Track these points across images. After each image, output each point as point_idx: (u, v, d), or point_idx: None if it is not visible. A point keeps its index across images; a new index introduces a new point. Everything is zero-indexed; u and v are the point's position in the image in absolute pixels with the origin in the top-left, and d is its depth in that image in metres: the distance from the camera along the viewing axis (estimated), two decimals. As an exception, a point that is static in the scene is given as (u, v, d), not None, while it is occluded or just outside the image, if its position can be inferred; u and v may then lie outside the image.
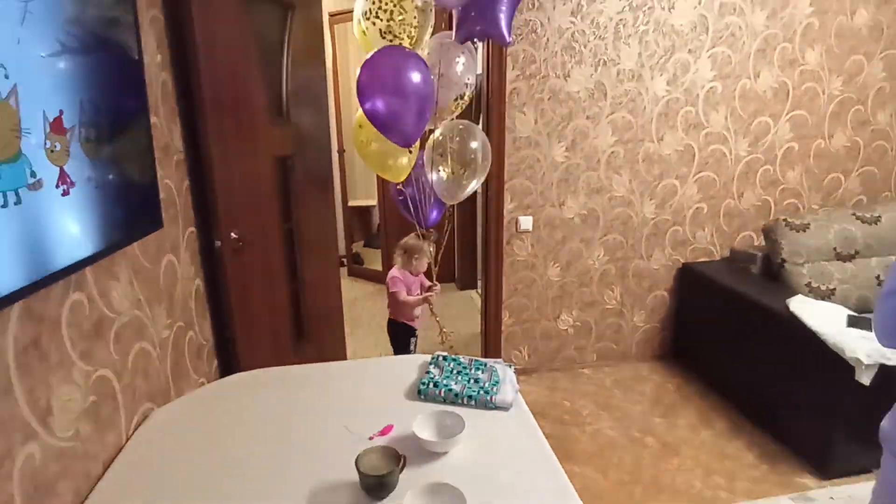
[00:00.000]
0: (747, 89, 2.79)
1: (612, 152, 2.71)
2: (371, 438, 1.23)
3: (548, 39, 2.51)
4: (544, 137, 2.63)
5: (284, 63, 2.08)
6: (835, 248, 2.58)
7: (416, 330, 2.62)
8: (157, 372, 1.42)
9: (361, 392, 1.44)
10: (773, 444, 2.34)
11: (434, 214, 2.25)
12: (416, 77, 1.62)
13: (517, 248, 2.76)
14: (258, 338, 2.02)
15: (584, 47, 2.56)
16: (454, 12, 1.83)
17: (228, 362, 1.92)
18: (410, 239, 2.43)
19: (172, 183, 1.60)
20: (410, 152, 1.93)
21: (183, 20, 1.60)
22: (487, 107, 2.61)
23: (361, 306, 4.04)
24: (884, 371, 1.98)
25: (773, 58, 2.76)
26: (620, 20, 2.56)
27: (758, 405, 2.49)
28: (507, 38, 1.71)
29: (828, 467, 2.13)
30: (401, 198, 2.17)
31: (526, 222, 2.71)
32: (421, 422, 1.21)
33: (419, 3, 1.72)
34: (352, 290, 4.38)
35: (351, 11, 4.02)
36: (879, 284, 2.55)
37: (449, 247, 4.28)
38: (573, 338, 2.96)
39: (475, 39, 1.81)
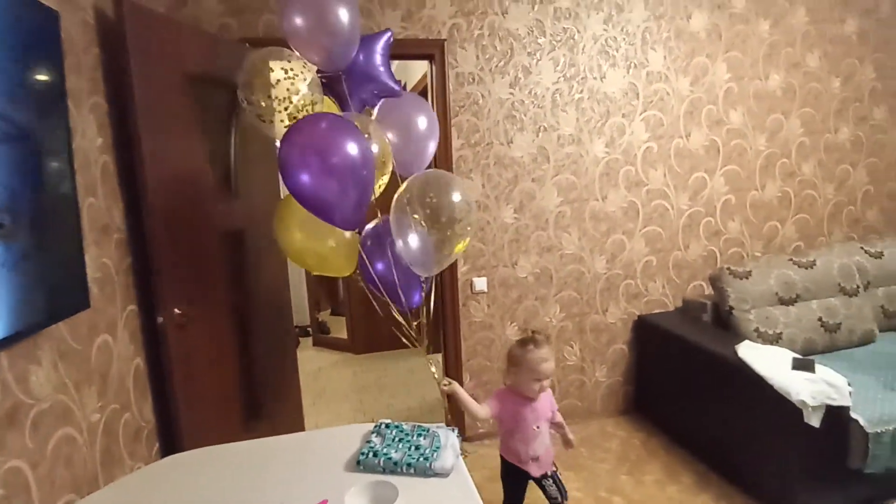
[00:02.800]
0: (681, 148, 2.96)
1: (560, 212, 2.82)
2: (304, 516, 1.18)
3: (489, 110, 2.66)
4: (493, 200, 2.72)
5: (232, 141, 2.15)
6: (777, 293, 2.67)
7: (529, 476, 1.86)
8: (83, 459, 1.35)
9: (301, 466, 1.40)
10: (739, 494, 2.30)
11: (416, 296, 1.89)
12: (352, 147, 1.58)
13: (473, 310, 2.78)
14: (205, 416, 1.95)
15: (525, 115, 2.71)
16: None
17: (172, 444, 1.84)
18: (515, 346, 1.83)
19: (111, 262, 1.60)
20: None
21: (125, 105, 1.66)
22: (436, 174, 2.71)
23: (327, 376, 3.95)
24: (832, 411, 2.00)
25: (701, 119, 2.97)
26: (556, 90, 2.74)
27: (721, 455, 2.47)
28: (398, 89, 1.80)
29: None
30: (370, 285, 1.89)
31: (480, 283, 2.74)
32: (354, 494, 1.17)
33: (308, 83, 1.73)
34: (317, 359, 4.30)
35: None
36: (822, 326, 2.63)
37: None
38: (536, 397, 2.93)
39: (369, 105, 1.86)
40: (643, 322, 2.98)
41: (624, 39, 2.80)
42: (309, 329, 4.77)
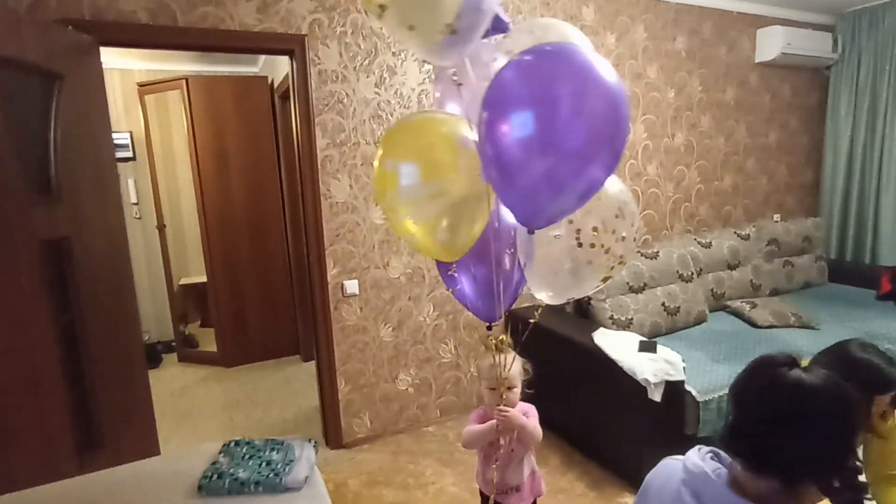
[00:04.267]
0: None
1: (430, 211, 2.84)
2: (130, 558, 1.05)
3: (355, 109, 2.61)
4: (361, 202, 2.67)
5: (52, 137, 1.88)
6: (628, 283, 2.93)
7: None
8: None
9: (134, 500, 1.25)
10: (600, 470, 2.49)
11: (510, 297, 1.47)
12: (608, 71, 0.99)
13: (346, 313, 2.71)
14: (23, 458, 1.68)
15: (392, 116, 2.70)
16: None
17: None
18: (483, 358, 1.66)
19: None
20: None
21: None
22: (300, 174, 2.60)
23: (193, 394, 3.63)
24: (670, 386, 2.24)
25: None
26: (422, 91, 2.76)
27: (585, 436, 2.66)
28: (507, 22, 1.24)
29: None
30: (458, 286, 1.43)
31: (352, 286, 2.68)
32: (188, 525, 1.07)
33: None
34: (182, 377, 3.94)
35: (163, 81, 3.85)
36: (665, 310, 2.93)
37: (290, 317, 4.09)
38: (414, 396, 2.94)
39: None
40: (514, 316, 3.11)
41: (486, 44, 2.90)
42: (173, 344, 4.36)
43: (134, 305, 2.37)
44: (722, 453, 0.84)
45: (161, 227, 4.06)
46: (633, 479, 2.36)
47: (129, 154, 4.15)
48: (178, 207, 4.38)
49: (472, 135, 1.20)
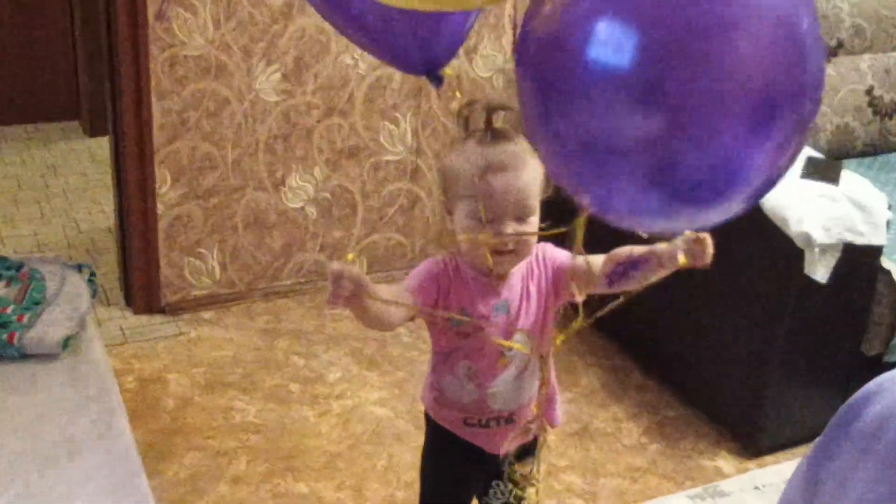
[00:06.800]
0: None
1: None
2: None
3: None
4: None
5: None
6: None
7: (492, 459, 1.57)
8: None
9: None
10: (677, 406, 2.64)
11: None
12: None
13: (180, 28, 2.61)
14: None
15: None
16: None
17: None
18: (461, 146, 1.47)
19: None
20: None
21: None
22: None
23: None
24: (850, 256, 2.24)
25: None
26: None
27: (654, 342, 2.76)
28: None
29: (755, 438, 2.45)
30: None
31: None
32: None
33: None
34: None
35: None
36: (871, 103, 2.90)
37: (65, 42, 4.02)
38: (317, 224, 3.03)
39: None
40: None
41: None
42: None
43: None
44: None
45: None
46: (736, 428, 2.49)
47: None
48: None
49: None
